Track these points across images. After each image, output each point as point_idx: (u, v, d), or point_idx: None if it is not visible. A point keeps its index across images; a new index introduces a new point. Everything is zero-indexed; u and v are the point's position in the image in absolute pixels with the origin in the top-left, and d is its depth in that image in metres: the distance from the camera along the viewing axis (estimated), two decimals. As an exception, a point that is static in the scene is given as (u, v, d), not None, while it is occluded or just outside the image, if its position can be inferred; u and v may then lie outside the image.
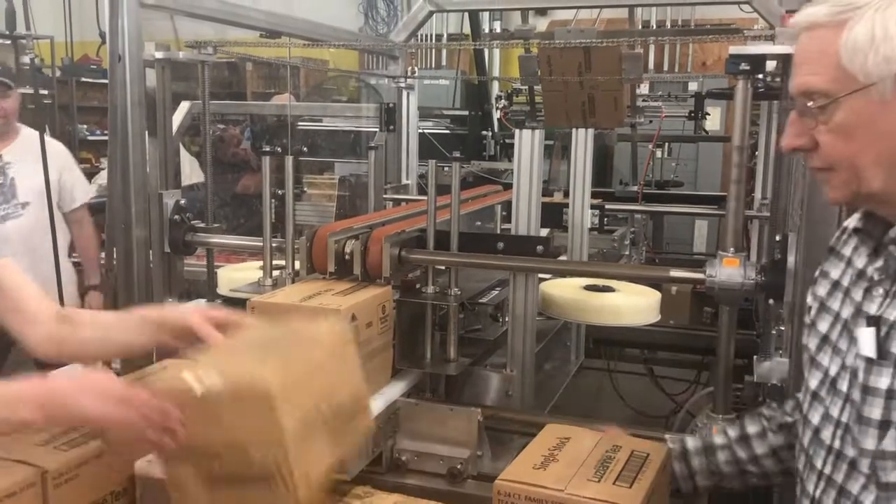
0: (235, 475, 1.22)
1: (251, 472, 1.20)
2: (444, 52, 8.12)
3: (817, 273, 1.30)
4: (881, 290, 1.12)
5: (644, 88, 5.24)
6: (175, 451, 1.23)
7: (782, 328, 2.07)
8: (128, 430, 1.22)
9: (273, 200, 2.06)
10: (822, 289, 1.25)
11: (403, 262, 1.82)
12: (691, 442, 1.56)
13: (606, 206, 3.07)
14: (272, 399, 1.17)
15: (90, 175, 6.86)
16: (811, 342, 1.25)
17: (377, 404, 1.74)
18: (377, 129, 3.27)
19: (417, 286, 1.90)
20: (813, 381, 1.22)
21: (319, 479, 1.26)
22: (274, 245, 2.04)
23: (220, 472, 1.22)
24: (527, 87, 3.77)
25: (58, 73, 8.17)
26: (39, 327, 1.50)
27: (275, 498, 1.21)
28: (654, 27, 7.39)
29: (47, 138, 3.25)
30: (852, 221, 1.25)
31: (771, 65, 2.27)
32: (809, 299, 1.29)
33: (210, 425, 1.21)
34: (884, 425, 1.07)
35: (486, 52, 7.27)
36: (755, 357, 2.07)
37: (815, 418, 1.20)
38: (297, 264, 1.90)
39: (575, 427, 1.67)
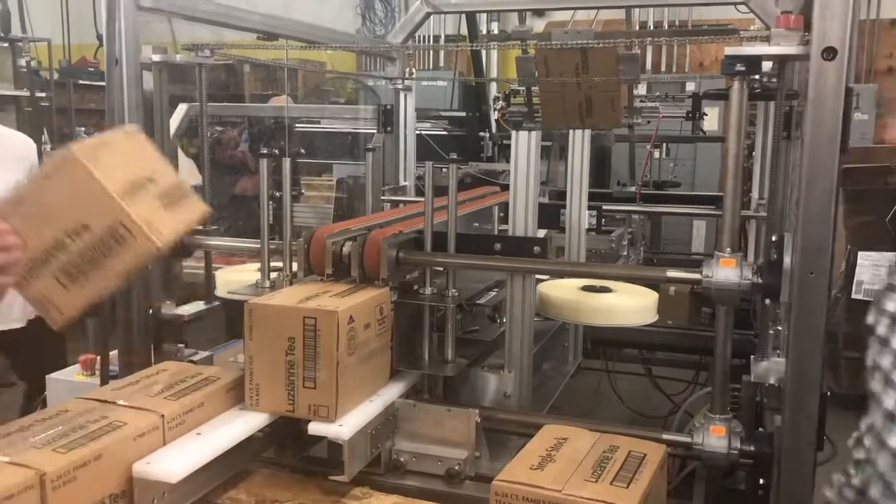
0: (90, 256, 1.27)
1: (102, 243, 1.26)
2: (441, 53, 8.13)
3: (884, 287, 1.23)
4: None
5: (642, 89, 5.24)
6: (26, 269, 1.27)
7: (780, 328, 2.08)
8: None
9: (271, 202, 2.06)
10: (892, 304, 1.19)
11: (401, 264, 1.83)
12: None
13: (604, 207, 3.08)
14: (80, 161, 1.24)
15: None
16: (884, 360, 1.18)
17: (375, 406, 1.74)
18: (375, 131, 3.27)
19: (415, 287, 1.90)
20: (889, 401, 1.15)
21: (165, 232, 1.33)
22: (272, 247, 2.04)
23: (76, 262, 1.27)
24: (524, 89, 3.78)
25: (55, 76, 8.18)
26: None
27: (131, 253, 1.28)
28: (652, 28, 7.40)
29: (13, 131, 3.15)
30: None
31: (767, 65, 2.28)
32: (872, 317, 1.22)
33: (44, 221, 1.26)
34: None
35: (484, 53, 7.27)
36: (752, 357, 2.08)
37: (894, 441, 1.13)
38: (295, 266, 1.90)
39: (573, 427, 1.68)
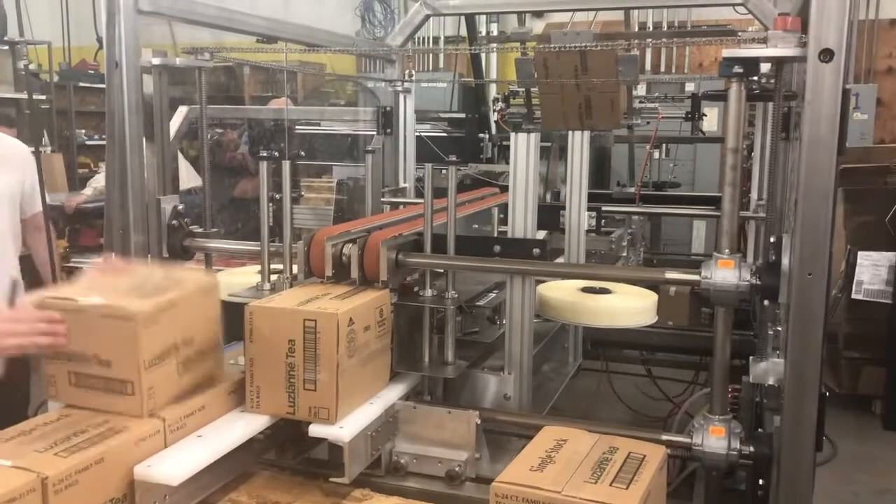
0: (99, 379, 1.54)
1: (110, 381, 1.53)
2: (441, 54, 8.13)
3: None
4: None
5: (641, 90, 5.25)
6: (56, 353, 1.55)
7: (779, 329, 2.08)
8: (19, 340, 1.53)
9: (271, 204, 2.06)
10: None
11: (401, 266, 1.83)
12: None
13: (604, 208, 3.08)
14: (136, 325, 1.49)
15: (88, 179, 6.89)
16: None
17: (375, 408, 1.75)
18: (374, 133, 3.28)
19: (415, 289, 1.90)
20: None
21: (165, 396, 1.57)
22: (272, 249, 2.04)
23: (86, 376, 1.54)
24: (524, 90, 3.78)
25: (55, 79, 8.18)
26: None
27: (122, 403, 1.52)
28: (651, 29, 7.41)
29: (12, 139, 3.13)
30: None
31: (765, 67, 2.28)
32: None
33: (86, 337, 1.52)
34: None
35: (483, 54, 7.27)
36: (751, 358, 2.08)
37: None
38: (295, 268, 1.91)
39: (572, 429, 1.68)
